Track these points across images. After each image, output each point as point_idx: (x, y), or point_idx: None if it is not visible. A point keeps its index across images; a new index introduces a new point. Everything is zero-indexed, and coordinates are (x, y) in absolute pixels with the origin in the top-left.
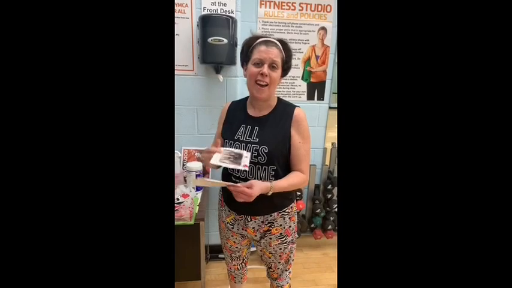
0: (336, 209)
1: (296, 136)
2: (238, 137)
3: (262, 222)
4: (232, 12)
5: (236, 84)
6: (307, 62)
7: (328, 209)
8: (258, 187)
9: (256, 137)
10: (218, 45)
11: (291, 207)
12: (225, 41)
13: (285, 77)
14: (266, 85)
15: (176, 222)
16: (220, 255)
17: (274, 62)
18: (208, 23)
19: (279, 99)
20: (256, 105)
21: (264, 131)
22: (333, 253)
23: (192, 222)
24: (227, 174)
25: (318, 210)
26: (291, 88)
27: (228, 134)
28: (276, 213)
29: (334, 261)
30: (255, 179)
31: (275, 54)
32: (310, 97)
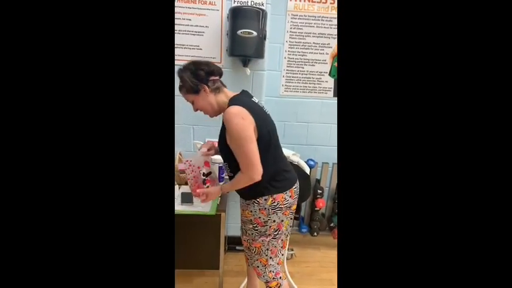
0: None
1: (227, 137)
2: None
3: (244, 200)
4: (262, 4)
5: (263, 77)
6: (335, 57)
7: None
8: (210, 197)
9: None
10: (247, 37)
11: (265, 199)
12: (255, 33)
13: (311, 72)
14: (204, 112)
15: (197, 212)
16: (237, 247)
17: (189, 101)
18: (238, 15)
19: (230, 100)
20: None
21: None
22: None
23: (213, 213)
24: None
25: (338, 210)
26: (317, 84)
27: None
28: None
29: None
30: (227, 171)
31: (184, 97)
32: (336, 93)
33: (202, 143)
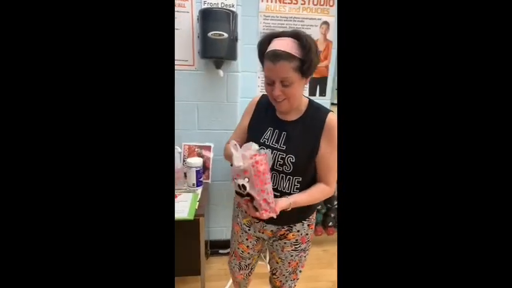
0: (337, 205)
1: (325, 146)
2: (265, 141)
3: (281, 225)
4: (233, 6)
5: (237, 79)
6: None
7: (329, 205)
8: (278, 208)
9: (284, 144)
10: (218, 39)
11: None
12: (226, 35)
13: None
14: (284, 99)
15: (176, 218)
16: (221, 251)
17: (285, 80)
18: (208, 17)
19: (310, 101)
20: None
21: (292, 138)
22: (333, 249)
23: (191, 217)
24: None
25: (319, 207)
26: None
27: (255, 134)
28: None
29: (335, 258)
30: (278, 188)
31: (283, 70)
32: (312, 93)
33: (179, 148)
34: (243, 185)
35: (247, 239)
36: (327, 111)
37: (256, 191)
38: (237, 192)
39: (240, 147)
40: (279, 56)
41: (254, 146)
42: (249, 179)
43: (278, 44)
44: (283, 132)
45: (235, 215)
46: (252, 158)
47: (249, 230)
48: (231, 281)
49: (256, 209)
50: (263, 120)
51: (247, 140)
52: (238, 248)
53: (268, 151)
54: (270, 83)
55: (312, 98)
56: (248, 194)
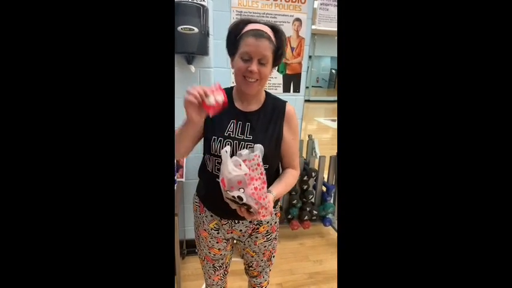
0: (312, 200)
1: (288, 133)
2: (229, 134)
3: (250, 222)
4: (203, 0)
5: (210, 75)
6: None
7: (304, 199)
8: (272, 208)
9: (249, 135)
10: (189, 34)
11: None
12: (196, 30)
13: None
14: (256, 80)
15: None
16: (197, 250)
17: (264, 57)
18: (178, 12)
19: (266, 92)
20: (244, 99)
21: (257, 128)
22: (309, 243)
23: None
24: (212, 174)
25: (295, 201)
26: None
27: (217, 128)
28: None
29: (311, 251)
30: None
31: (265, 47)
32: (286, 89)
33: None
34: (239, 197)
35: (217, 243)
36: (284, 101)
37: (253, 201)
38: (231, 200)
39: (205, 146)
40: (261, 34)
41: (244, 152)
42: (244, 189)
43: (257, 27)
44: (247, 123)
45: (200, 222)
46: (243, 165)
47: (217, 233)
48: None
49: (251, 212)
50: (223, 114)
51: (207, 134)
52: (209, 253)
53: (259, 147)
54: (247, 59)
55: (286, 94)
56: (245, 203)
